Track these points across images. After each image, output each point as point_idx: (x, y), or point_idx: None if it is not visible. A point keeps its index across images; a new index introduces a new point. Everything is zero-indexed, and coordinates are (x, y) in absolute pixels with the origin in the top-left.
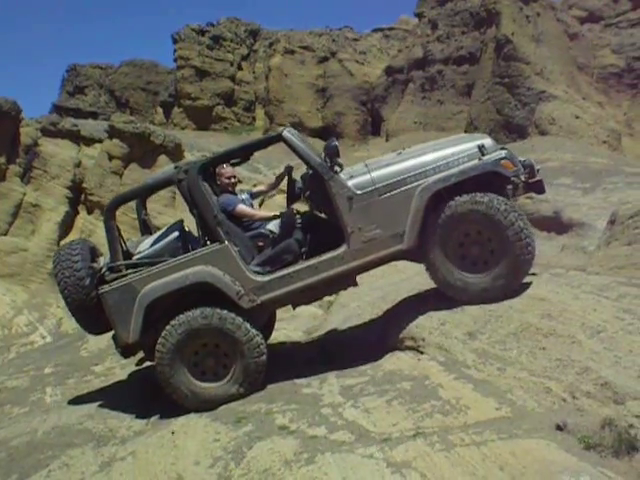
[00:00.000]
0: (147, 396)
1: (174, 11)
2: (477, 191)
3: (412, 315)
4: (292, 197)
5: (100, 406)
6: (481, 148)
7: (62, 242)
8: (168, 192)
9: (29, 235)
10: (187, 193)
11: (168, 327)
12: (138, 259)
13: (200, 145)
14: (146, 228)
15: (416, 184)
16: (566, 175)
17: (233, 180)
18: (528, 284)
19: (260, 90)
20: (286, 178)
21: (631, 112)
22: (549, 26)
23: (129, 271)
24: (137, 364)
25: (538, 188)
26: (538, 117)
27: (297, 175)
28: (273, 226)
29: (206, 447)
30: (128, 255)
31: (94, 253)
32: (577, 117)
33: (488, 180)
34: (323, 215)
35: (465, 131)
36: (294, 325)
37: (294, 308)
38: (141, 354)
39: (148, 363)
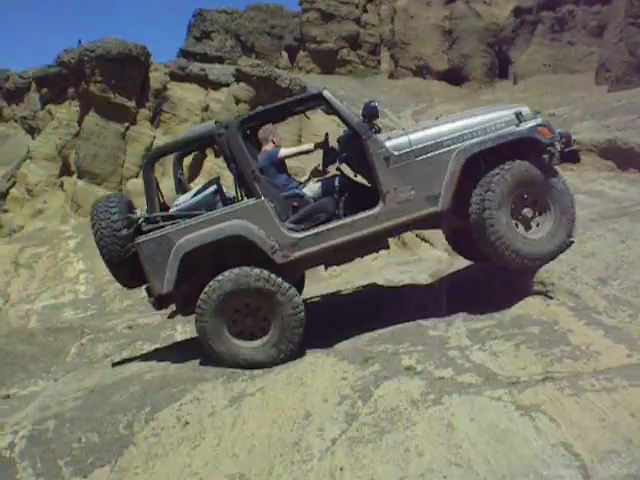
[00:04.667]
0: None
1: None
2: (513, 158)
3: None
4: (327, 162)
5: None
6: (518, 115)
7: (192, 184)
8: None
9: (159, 177)
10: (226, 148)
11: (212, 283)
12: (175, 211)
13: None
14: (181, 187)
15: (453, 147)
16: None
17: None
18: None
19: (385, 33)
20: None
21: None
22: None
23: (166, 223)
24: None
25: (574, 157)
26: None
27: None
28: (309, 190)
29: (334, 385)
30: (165, 208)
31: (130, 206)
32: None
33: (525, 148)
34: (358, 178)
35: (596, 74)
36: (420, 268)
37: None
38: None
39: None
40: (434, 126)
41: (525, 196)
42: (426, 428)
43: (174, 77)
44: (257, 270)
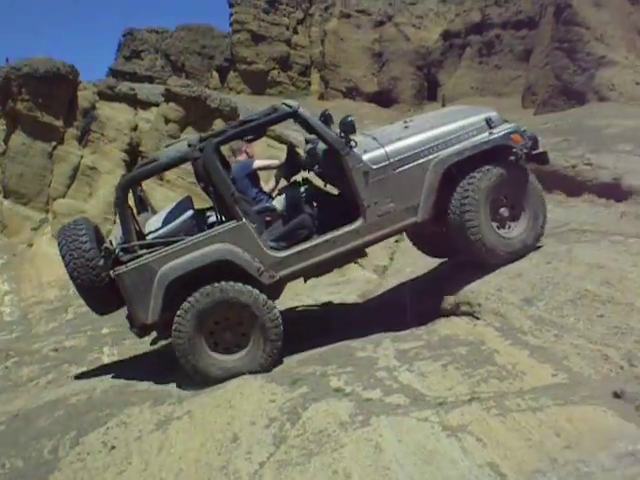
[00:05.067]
0: None
1: None
2: (483, 162)
3: (468, 280)
4: (292, 171)
5: (156, 366)
6: (489, 121)
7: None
8: None
9: (87, 198)
10: (202, 171)
11: (187, 301)
12: (153, 239)
13: (256, 109)
14: (142, 205)
15: (430, 157)
16: (627, 141)
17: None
18: (586, 251)
19: (316, 54)
20: (286, 151)
21: None
22: None
23: (143, 251)
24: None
25: (542, 159)
26: (598, 83)
27: None
28: (278, 202)
29: (262, 407)
30: (141, 236)
31: (99, 233)
32: (637, 83)
33: (496, 153)
34: (329, 188)
35: (523, 97)
36: (348, 289)
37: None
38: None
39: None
40: (408, 136)
41: (502, 197)
42: (354, 450)
43: (103, 96)
44: (232, 283)
